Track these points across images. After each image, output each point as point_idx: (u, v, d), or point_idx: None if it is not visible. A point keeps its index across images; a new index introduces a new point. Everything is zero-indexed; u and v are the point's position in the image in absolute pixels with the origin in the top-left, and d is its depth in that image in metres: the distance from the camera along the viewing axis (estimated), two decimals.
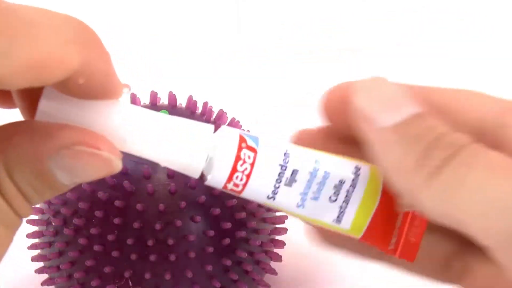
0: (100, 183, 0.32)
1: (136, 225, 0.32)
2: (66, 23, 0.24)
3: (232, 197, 0.33)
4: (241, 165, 0.23)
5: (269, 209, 0.35)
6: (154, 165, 0.32)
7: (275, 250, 0.35)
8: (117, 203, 0.32)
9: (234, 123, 0.36)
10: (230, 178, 0.23)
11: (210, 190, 0.32)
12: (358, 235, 0.24)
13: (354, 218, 0.24)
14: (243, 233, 0.33)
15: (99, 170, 0.24)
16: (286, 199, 0.23)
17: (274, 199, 0.23)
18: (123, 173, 0.32)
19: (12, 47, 0.20)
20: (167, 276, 0.32)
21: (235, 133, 0.23)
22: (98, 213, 0.32)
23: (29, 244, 0.34)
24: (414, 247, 0.24)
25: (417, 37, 0.61)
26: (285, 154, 0.23)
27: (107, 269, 0.32)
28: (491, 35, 0.60)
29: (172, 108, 0.36)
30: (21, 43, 0.21)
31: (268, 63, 0.58)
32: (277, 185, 0.23)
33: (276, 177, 0.23)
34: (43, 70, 0.22)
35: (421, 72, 0.55)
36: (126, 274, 0.32)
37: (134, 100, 0.36)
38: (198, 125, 0.23)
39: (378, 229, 0.24)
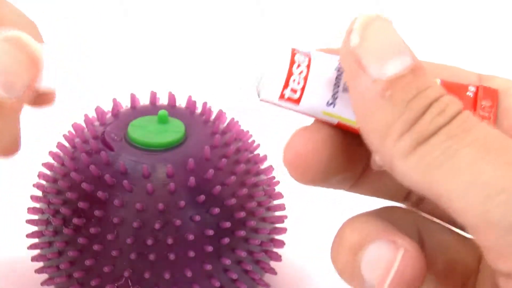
0: (100, 182, 0.32)
1: (135, 224, 0.32)
2: None
3: (232, 196, 0.33)
4: (297, 67, 0.22)
5: (268, 208, 0.35)
6: (153, 165, 0.33)
7: (275, 249, 0.35)
8: (116, 202, 0.32)
9: (234, 123, 0.36)
10: (286, 83, 0.22)
11: (209, 190, 0.32)
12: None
13: None
14: (242, 233, 0.33)
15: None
16: (346, 107, 0.22)
17: (334, 105, 0.22)
18: (122, 173, 0.32)
19: None
20: (167, 276, 0.32)
21: (286, 45, 0.23)
22: (97, 213, 0.32)
23: (28, 244, 0.34)
24: None
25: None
26: (338, 61, 0.22)
27: (106, 269, 0.32)
28: (492, 34, 0.60)
29: (172, 108, 0.36)
30: None
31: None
32: (336, 90, 0.22)
33: (334, 81, 0.22)
34: None
35: None
36: (126, 274, 0.32)
37: (133, 100, 0.36)
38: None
39: None
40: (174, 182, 0.32)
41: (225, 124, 0.36)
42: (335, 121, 0.23)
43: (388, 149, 0.20)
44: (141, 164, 0.33)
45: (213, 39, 0.61)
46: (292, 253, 0.38)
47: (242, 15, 0.64)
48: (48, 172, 0.35)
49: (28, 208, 0.35)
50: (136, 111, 0.36)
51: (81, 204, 0.32)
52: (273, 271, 0.35)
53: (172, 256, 0.32)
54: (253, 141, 0.36)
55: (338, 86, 0.22)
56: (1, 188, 0.43)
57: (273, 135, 0.35)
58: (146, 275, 0.32)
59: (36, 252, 0.35)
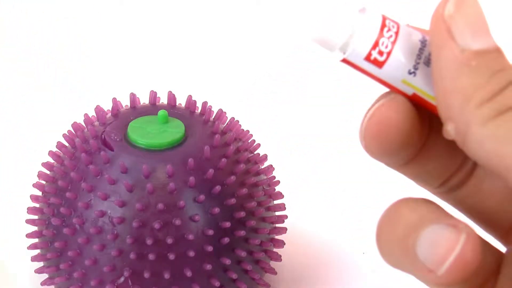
0: (100, 181, 0.32)
1: (135, 224, 0.32)
2: None
3: (232, 196, 0.33)
4: (387, 31, 0.23)
5: (268, 208, 0.35)
6: (153, 164, 0.33)
7: (275, 249, 0.35)
8: (116, 202, 0.32)
9: (234, 123, 0.36)
10: (376, 44, 0.23)
11: (209, 189, 0.32)
12: None
13: None
14: (242, 232, 0.33)
15: None
16: (425, 79, 0.23)
17: (415, 75, 0.23)
18: (122, 172, 0.32)
19: None
20: (166, 275, 0.32)
21: (377, 12, 0.23)
22: (97, 213, 0.32)
23: (28, 244, 0.34)
24: None
25: None
26: (423, 36, 0.23)
27: (106, 269, 0.32)
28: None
29: (172, 108, 0.36)
30: None
31: (270, 63, 0.58)
32: (418, 61, 0.23)
33: (417, 52, 0.23)
34: None
35: None
36: (125, 273, 0.32)
37: (133, 100, 0.36)
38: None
39: None
40: (174, 182, 0.32)
41: (225, 124, 0.36)
42: (410, 92, 0.23)
43: (468, 114, 0.21)
44: (141, 164, 0.33)
45: (213, 39, 0.61)
46: (292, 253, 0.37)
47: (242, 14, 0.64)
48: (48, 172, 0.35)
49: (28, 208, 0.35)
50: (136, 111, 0.36)
51: (80, 204, 0.32)
52: (273, 271, 0.35)
53: (172, 256, 0.32)
54: (253, 141, 0.36)
55: (420, 58, 0.23)
56: (1, 188, 0.43)
57: (273, 135, 0.35)
58: (146, 275, 0.32)
59: (36, 252, 0.35)
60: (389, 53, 0.23)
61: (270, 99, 0.53)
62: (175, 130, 0.34)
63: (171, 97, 0.36)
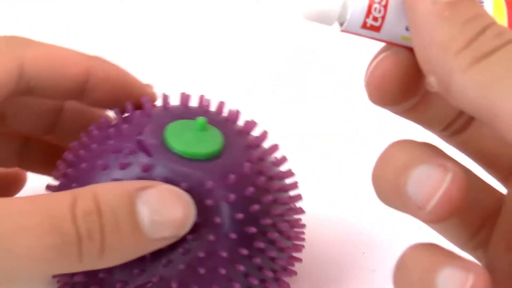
0: None
1: None
2: None
3: (267, 215, 0.32)
4: None
5: (292, 226, 0.34)
6: (193, 176, 0.31)
7: (291, 267, 0.35)
8: None
9: (264, 134, 0.35)
10: (369, 11, 0.24)
11: (247, 208, 0.31)
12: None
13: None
14: (272, 253, 0.32)
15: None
16: None
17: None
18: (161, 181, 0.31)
19: None
20: None
21: None
22: None
23: None
24: None
25: None
26: None
27: (136, 271, 0.31)
28: None
29: (205, 113, 0.34)
30: None
31: (270, 63, 0.58)
32: None
33: None
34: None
35: None
36: (154, 279, 0.31)
37: (166, 100, 0.35)
38: None
39: None
40: (213, 197, 0.31)
41: (257, 135, 0.35)
42: (411, 44, 0.24)
43: (447, 65, 0.22)
44: (180, 174, 0.31)
45: (213, 39, 0.61)
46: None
47: (242, 15, 0.64)
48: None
49: None
50: (170, 112, 0.34)
51: None
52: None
53: (202, 270, 0.31)
54: (282, 156, 0.35)
55: None
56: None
57: (273, 135, 0.35)
58: (174, 285, 0.31)
59: None
60: (383, 17, 0.24)
61: (270, 99, 0.53)
62: (214, 139, 0.33)
63: (203, 100, 0.35)
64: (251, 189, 0.31)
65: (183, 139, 0.32)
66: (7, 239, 0.26)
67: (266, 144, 0.35)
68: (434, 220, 0.22)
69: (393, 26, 0.24)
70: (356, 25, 0.24)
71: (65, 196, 0.28)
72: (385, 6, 0.24)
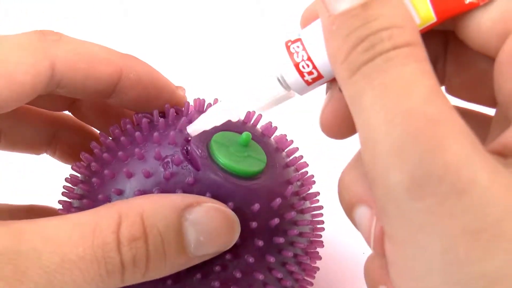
0: None
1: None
2: None
3: (301, 238, 0.32)
4: (297, 56, 0.25)
5: (315, 246, 0.34)
6: (238, 194, 0.30)
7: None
8: None
9: (293, 150, 0.35)
10: (301, 72, 0.25)
11: (287, 231, 0.31)
12: (432, 19, 0.24)
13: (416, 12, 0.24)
14: (300, 276, 0.32)
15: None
16: None
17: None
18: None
19: None
20: None
21: (278, 44, 0.25)
22: None
23: None
24: None
25: None
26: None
27: (169, 281, 0.30)
28: None
29: (243, 125, 0.34)
30: None
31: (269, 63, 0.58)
32: None
33: None
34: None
35: None
36: None
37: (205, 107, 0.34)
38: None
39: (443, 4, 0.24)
40: (258, 219, 0.30)
41: (289, 149, 0.34)
42: None
43: (337, 74, 0.23)
44: (227, 192, 0.30)
45: (213, 39, 0.60)
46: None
47: (242, 15, 0.63)
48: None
49: None
50: None
51: None
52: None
53: None
54: (307, 172, 0.35)
55: None
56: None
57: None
58: None
59: None
60: (314, 67, 0.25)
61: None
62: (258, 156, 0.32)
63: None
64: (292, 213, 0.31)
65: (228, 153, 0.31)
66: (54, 274, 0.25)
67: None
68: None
69: (328, 66, 0.24)
70: (302, 88, 0.25)
71: (110, 217, 0.27)
72: (309, 58, 0.24)
